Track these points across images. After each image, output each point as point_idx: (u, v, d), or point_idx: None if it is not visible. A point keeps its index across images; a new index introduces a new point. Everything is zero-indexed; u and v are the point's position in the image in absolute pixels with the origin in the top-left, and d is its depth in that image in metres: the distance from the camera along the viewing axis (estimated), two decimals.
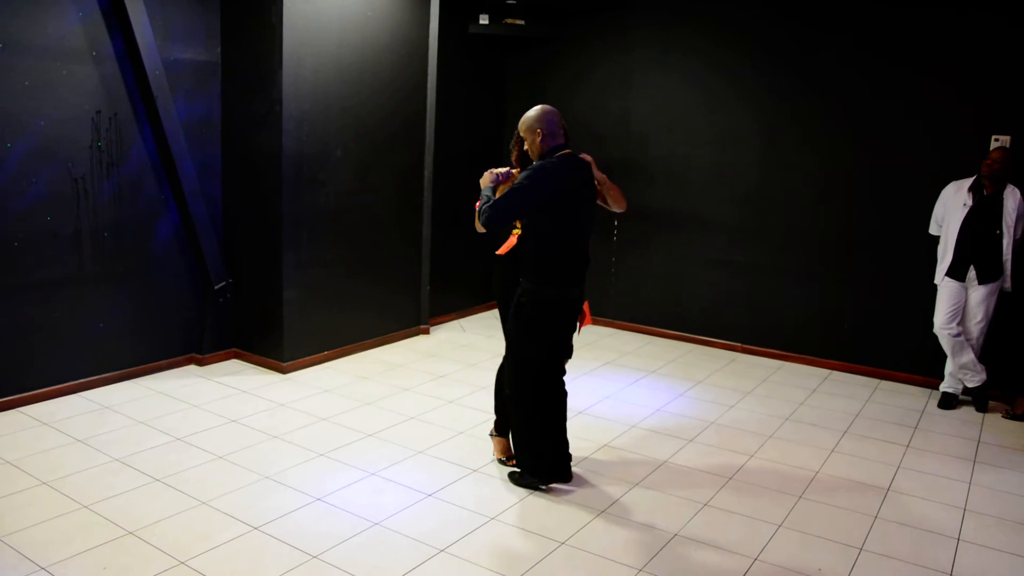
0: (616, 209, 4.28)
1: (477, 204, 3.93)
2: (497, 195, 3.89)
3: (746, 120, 6.66)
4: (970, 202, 5.31)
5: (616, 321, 7.59)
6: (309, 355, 5.95)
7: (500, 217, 3.77)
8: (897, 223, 6.03)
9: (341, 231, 6.08)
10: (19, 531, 3.46)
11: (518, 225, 4.10)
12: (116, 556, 3.30)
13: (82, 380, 5.19)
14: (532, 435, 4.08)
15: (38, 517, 3.59)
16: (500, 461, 4.39)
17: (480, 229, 3.99)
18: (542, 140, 3.91)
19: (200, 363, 5.84)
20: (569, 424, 4.99)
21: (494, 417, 4.52)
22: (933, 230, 5.63)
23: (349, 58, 5.87)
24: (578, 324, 4.16)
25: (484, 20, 7.20)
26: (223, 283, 5.85)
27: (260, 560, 3.32)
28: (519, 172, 4.08)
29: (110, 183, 5.16)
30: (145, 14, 5.03)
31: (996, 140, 5.56)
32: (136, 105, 5.22)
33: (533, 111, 3.98)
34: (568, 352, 4.19)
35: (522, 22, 7.31)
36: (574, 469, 4.34)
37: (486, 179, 4.02)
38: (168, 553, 3.34)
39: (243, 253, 5.89)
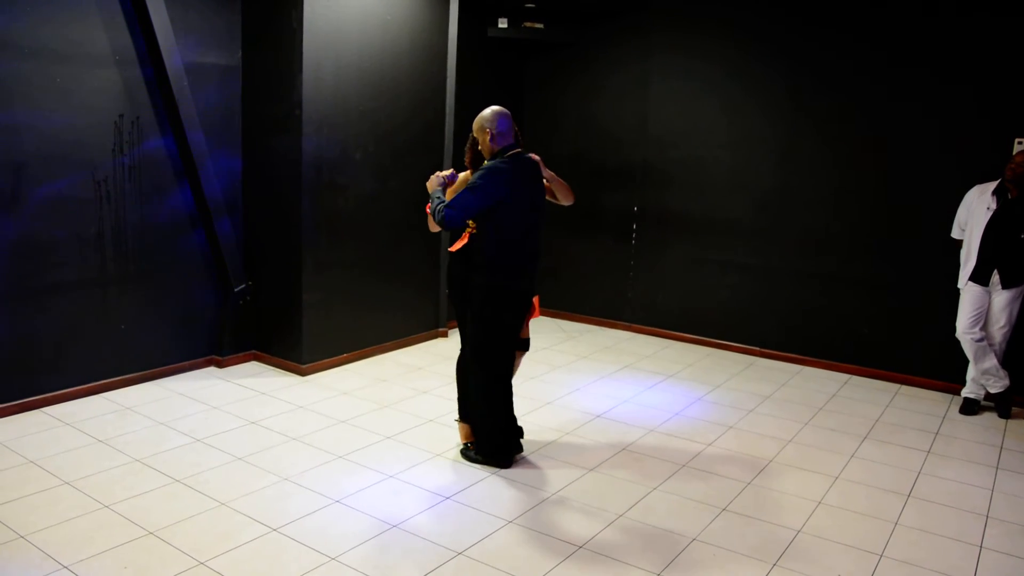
0: (565, 203, 4.52)
1: (428, 207, 4.18)
2: (448, 196, 4.16)
3: (764, 123, 6.63)
4: (994, 206, 5.26)
5: (634, 325, 7.57)
6: (328, 357, 5.98)
7: (456, 216, 3.99)
8: (918, 226, 5.98)
9: (360, 234, 6.10)
10: (42, 530, 3.50)
11: (470, 224, 4.29)
12: (136, 556, 3.33)
13: (103, 381, 5.24)
14: (496, 424, 4.34)
15: (60, 516, 3.63)
16: (465, 446, 4.54)
17: (434, 229, 4.32)
18: (491, 140, 4.13)
19: (220, 365, 5.88)
20: (587, 427, 5.03)
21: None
22: (956, 234, 5.57)
23: (369, 62, 5.90)
24: (527, 317, 4.41)
25: (503, 24, 7.21)
26: (243, 285, 5.89)
27: (279, 561, 3.34)
28: (471, 173, 4.34)
29: (132, 186, 5.21)
30: (167, 18, 5.08)
31: (1020, 143, 5.50)
32: (158, 109, 5.27)
33: (486, 112, 4.18)
34: (524, 345, 4.51)
35: (541, 26, 7.32)
36: (593, 473, 4.35)
37: (433, 183, 4.25)
38: (188, 553, 3.36)
39: (263, 255, 5.93)
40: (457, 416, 4.65)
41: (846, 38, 6.16)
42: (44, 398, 4.94)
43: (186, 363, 5.75)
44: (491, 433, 4.36)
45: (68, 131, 4.83)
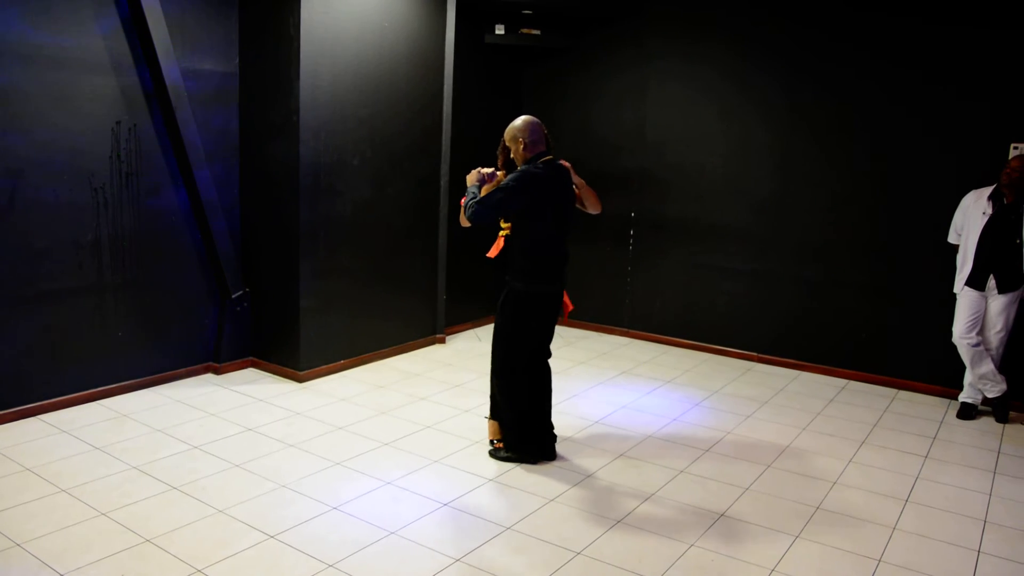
0: (592, 211, 4.62)
1: (463, 200, 4.29)
2: (482, 193, 4.23)
3: (761, 129, 6.64)
4: (990, 211, 5.27)
5: (632, 330, 7.58)
6: (325, 364, 5.97)
7: (485, 213, 4.12)
8: (915, 231, 5.99)
9: (358, 240, 6.10)
10: (38, 538, 3.49)
11: (504, 227, 4.39)
12: (134, 564, 3.32)
13: (100, 388, 5.23)
14: (520, 418, 4.47)
15: (57, 524, 3.62)
16: (492, 443, 4.64)
17: (464, 223, 4.39)
18: (524, 148, 4.24)
19: (217, 372, 5.87)
20: (585, 433, 5.02)
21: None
22: (952, 239, 5.58)
23: (366, 69, 5.91)
24: (562, 312, 4.53)
25: (500, 30, 7.22)
26: (240, 292, 5.89)
27: (276, 568, 3.33)
28: (504, 174, 4.43)
29: (129, 193, 5.21)
30: (165, 26, 5.09)
31: (1015, 148, 5.52)
32: (155, 116, 5.27)
33: (517, 121, 4.29)
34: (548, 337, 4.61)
35: (538, 32, 7.33)
36: (591, 479, 4.34)
37: (472, 177, 4.38)
38: (185, 561, 3.35)
39: (260, 262, 5.93)
40: (488, 413, 4.74)
41: (844, 44, 6.17)
42: (41, 405, 4.93)
43: (183, 370, 5.74)
44: (516, 424, 4.46)
45: (65, 138, 4.83)
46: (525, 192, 4.10)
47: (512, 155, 4.33)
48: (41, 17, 4.63)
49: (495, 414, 4.65)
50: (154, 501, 3.89)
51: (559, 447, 4.73)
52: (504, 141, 4.37)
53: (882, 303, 6.22)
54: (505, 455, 4.51)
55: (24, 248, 4.73)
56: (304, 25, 5.38)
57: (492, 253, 4.51)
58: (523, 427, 4.48)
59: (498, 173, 4.44)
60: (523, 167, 4.20)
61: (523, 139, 4.21)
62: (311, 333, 5.82)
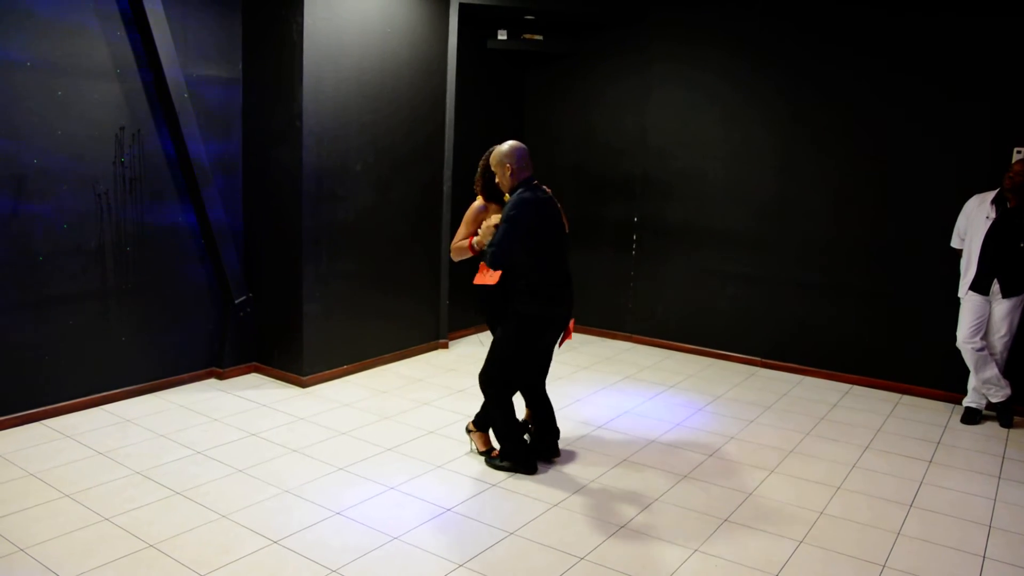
0: None
1: (469, 244, 4.33)
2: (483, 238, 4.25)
3: (763, 134, 6.64)
4: (993, 215, 5.27)
5: (634, 335, 7.57)
6: (328, 369, 5.97)
7: (506, 251, 4.08)
8: (918, 236, 5.98)
9: (361, 246, 6.11)
10: (41, 543, 3.49)
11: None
12: (136, 569, 3.32)
13: (104, 393, 5.24)
14: (513, 430, 4.44)
15: (60, 529, 3.62)
16: (486, 454, 4.59)
17: (457, 258, 4.51)
18: (512, 174, 4.22)
19: (220, 377, 5.88)
20: (588, 439, 5.01)
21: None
22: (955, 243, 5.57)
23: (369, 74, 5.92)
24: (561, 338, 4.51)
25: (502, 36, 7.24)
26: (243, 297, 5.89)
27: (279, 574, 3.33)
28: (482, 200, 4.48)
29: (133, 198, 5.22)
30: (168, 32, 5.11)
31: (1019, 152, 5.51)
32: (158, 121, 5.29)
33: (504, 147, 4.26)
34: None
35: (540, 37, 7.34)
36: (594, 484, 4.34)
37: (486, 234, 4.23)
38: (188, 566, 3.35)
39: (263, 267, 5.93)
40: (471, 425, 4.69)
41: (845, 48, 6.18)
42: (45, 410, 4.94)
43: (186, 375, 5.74)
44: (510, 434, 4.43)
45: (69, 143, 4.84)
46: (529, 217, 4.09)
47: (497, 180, 4.30)
48: (45, 23, 4.65)
49: (480, 425, 4.66)
50: (157, 506, 3.89)
51: (563, 452, 4.72)
52: (487, 166, 4.35)
53: (885, 307, 6.20)
54: (503, 464, 4.48)
55: (28, 254, 4.74)
56: (307, 31, 5.39)
57: (478, 281, 4.40)
58: (518, 437, 4.45)
59: (487, 209, 4.46)
60: (516, 195, 4.17)
61: (511, 165, 4.19)
62: (314, 338, 5.82)
